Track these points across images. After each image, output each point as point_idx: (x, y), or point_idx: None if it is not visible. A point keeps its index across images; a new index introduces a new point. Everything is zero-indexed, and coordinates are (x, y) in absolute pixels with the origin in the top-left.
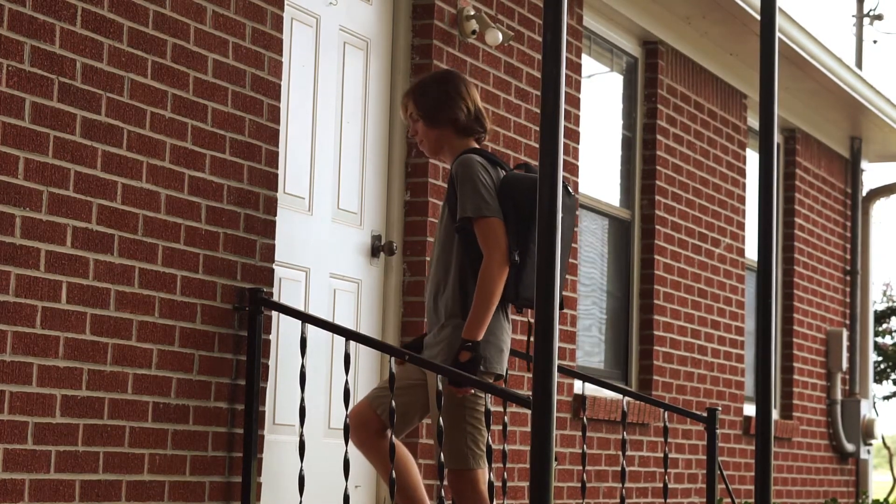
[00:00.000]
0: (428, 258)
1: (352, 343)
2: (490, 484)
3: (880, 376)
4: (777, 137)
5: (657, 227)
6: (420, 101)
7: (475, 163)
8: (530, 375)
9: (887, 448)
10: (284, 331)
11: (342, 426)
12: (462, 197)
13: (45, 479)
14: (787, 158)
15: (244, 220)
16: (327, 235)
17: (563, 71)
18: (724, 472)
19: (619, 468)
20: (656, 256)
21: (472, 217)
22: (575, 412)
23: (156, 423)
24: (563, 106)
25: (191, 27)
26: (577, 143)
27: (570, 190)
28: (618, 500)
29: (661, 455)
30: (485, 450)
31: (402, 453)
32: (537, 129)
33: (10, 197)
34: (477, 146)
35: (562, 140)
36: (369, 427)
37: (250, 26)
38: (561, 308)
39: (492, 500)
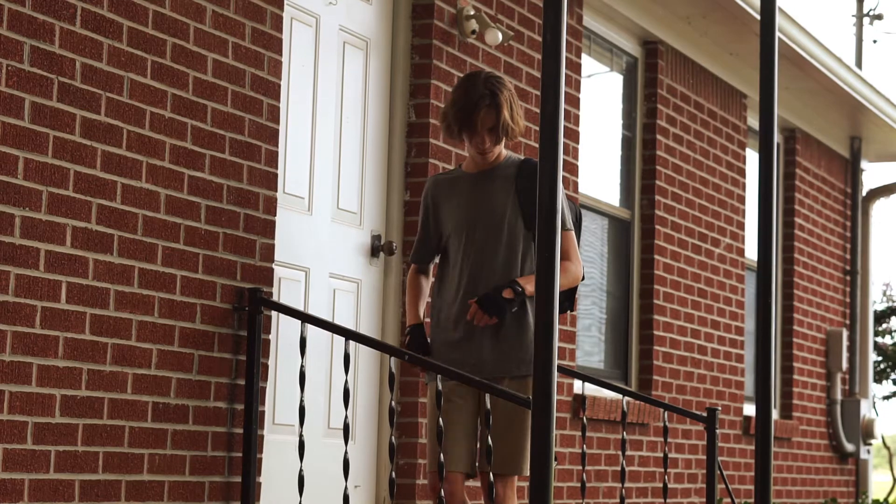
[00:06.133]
0: None
1: (352, 343)
2: (490, 485)
3: (880, 376)
4: (777, 137)
5: (657, 226)
6: (512, 112)
7: None
8: None
9: (887, 448)
10: (284, 331)
11: (342, 426)
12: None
13: (44, 479)
14: (787, 158)
15: (244, 219)
16: (327, 235)
17: (563, 71)
18: (724, 472)
19: (618, 468)
20: (656, 256)
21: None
22: (575, 412)
23: (155, 423)
24: (563, 106)
25: (190, 27)
26: (577, 143)
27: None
28: (618, 500)
29: (661, 455)
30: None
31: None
32: (537, 129)
33: (9, 197)
34: None
35: (562, 140)
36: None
37: (250, 26)
38: (571, 309)
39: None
